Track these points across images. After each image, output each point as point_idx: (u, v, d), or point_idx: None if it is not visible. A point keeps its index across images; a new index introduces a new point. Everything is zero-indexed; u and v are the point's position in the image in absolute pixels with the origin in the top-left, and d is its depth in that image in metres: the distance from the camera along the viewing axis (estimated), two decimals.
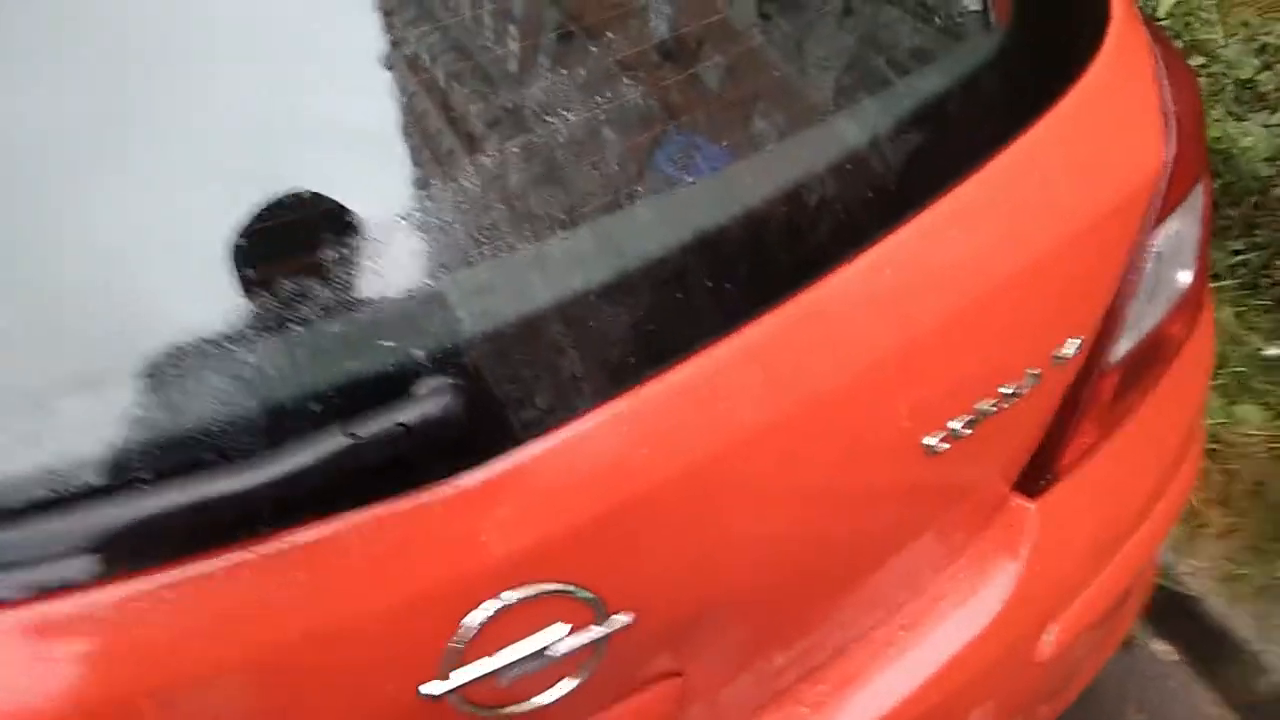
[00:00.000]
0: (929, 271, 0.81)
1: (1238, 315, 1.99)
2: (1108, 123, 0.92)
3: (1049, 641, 1.06)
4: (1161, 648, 1.78)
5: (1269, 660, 1.62)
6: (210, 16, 0.66)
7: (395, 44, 0.73)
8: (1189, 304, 1.02)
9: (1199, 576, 1.72)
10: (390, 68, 0.73)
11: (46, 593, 0.59)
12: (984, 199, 0.83)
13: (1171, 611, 1.73)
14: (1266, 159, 1.95)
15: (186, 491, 0.60)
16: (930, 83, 0.85)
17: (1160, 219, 0.94)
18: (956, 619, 1.00)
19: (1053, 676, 1.15)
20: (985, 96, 0.86)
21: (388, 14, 0.73)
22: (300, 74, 0.69)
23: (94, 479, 0.59)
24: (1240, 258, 2.07)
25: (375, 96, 0.73)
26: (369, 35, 0.73)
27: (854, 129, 0.81)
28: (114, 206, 0.63)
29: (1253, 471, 1.78)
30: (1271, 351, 1.84)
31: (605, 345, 0.70)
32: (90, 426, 0.60)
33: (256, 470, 0.60)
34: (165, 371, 0.61)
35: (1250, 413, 1.79)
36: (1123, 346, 0.95)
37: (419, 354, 0.65)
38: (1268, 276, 2.01)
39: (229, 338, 0.62)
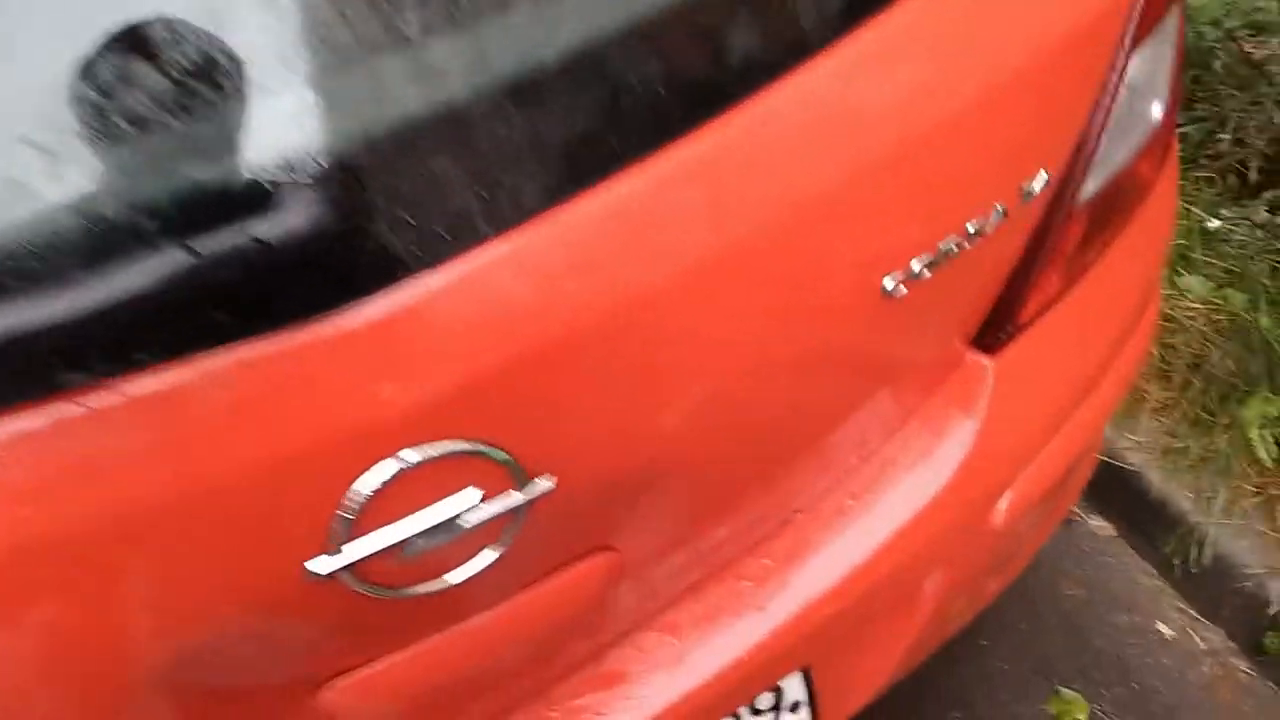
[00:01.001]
0: (894, 87, 0.70)
1: (1179, 188, 1.94)
2: None
3: (1002, 509, 1.00)
4: (1098, 523, 1.76)
5: (1206, 532, 1.60)
6: None
7: None
8: (1159, 142, 0.93)
9: (1138, 451, 1.70)
10: None
11: None
12: (945, 15, 0.73)
13: (1110, 486, 1.71)
14: (1213, 22, 1.87)
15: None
16: None
17: (1135, 43, 0.85)
18: (909, 485, 0.92)
19: (1004, 547, 1.09)
20: None
21: None
22: None
23: None
24: (1180, 130, 2.01)
25: None
26: None
27: None
28: None
29: (1191, 346, 1.75)
30: (1213, 224, 1.80)
31: (520, 156, 0.59)
32: None
33: (79, 300, 0.48)
34: None
35: (1192, 284, 1.75)
36: (1092, 184, 0.87)
37: (288, 157, 0.52)
38: (1208, 150, 1.95)
39: (37, 131, 0.49)
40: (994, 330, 0.92)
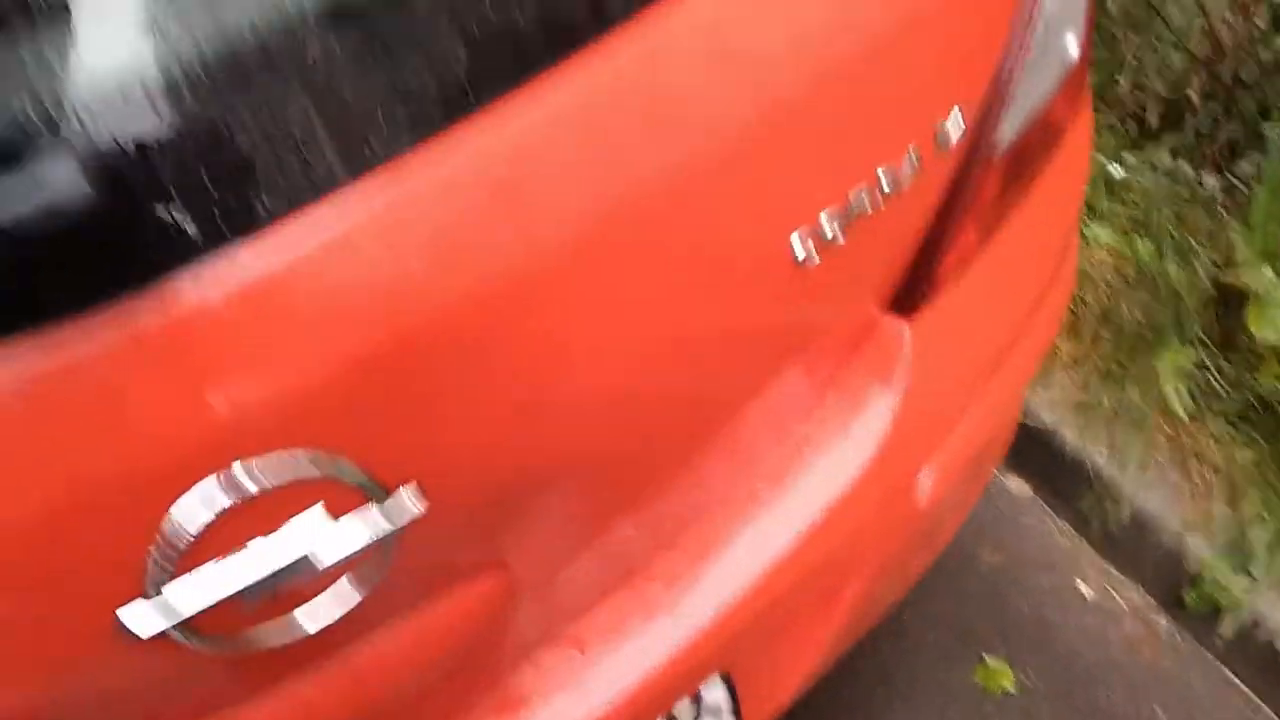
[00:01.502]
0: (794, 19, 0.61)
1: None
2: None
3: (927, 484, 0.93)
4: (1014, 483, 1.73)
5: (1122, 489, 1.58)
6: None
7: None
8: (1075, 80, 0.87)
9: (1051, 408, 1.66)
10: None
11: None
12: None
13: (1025, 446, 1.67)
14: None
15: None
16: None
17: None
18: (827, 465, 0.84)
19: (929, 524, 1.03)
20: None
21: None
22: None
23: None
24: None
25: None
26: None
27: None
28: None
29: (1100, 299, 1.72)
30: (1118, 172, 1.77)
31: (351, 97, 0.48)
32: None
33: None
34: None
35: (1098, 234, 1.71)
36: (1009, 128, 0.79)
37: (41, 106, 0.41)
38: (1107, 95, 1.92)
39: None
40: (910, 292, 0.84)
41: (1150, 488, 1.57)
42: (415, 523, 0.55)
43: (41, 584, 0.47)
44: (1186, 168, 1.68)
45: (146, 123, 0.42)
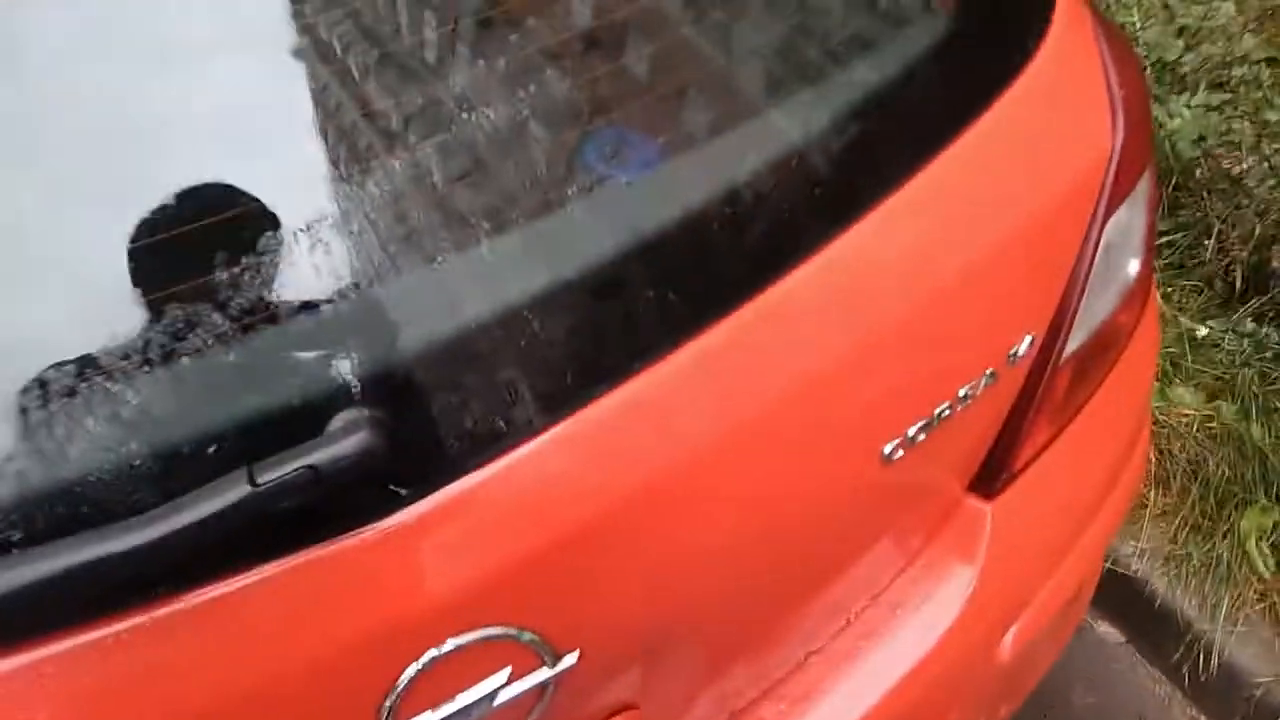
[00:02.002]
0: (882, 272, 0.76)
1: (1166, 297, 2.00)
2: (1056, 111, 0.89)
3: (1008, 643, 1.03)
4: (1107, 630, 1.78)
5: (1213, 640, 1.62)
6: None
7: (304, 32, 0.66)
8: (1138, 292, 0.99)
9: (1142, 558, 1.72)
10: (300, 59, 0.66)
11: None
12: (935, 193, 0.79)
13: (1116, 594, 1.73)
14: (1192, 140, 1.96)
15: (66, 555, 0.52)
16: (873, 72, 0.80)
17: (1111, 208, 0.91)
18: (915, 626, 0.96)
19: (1013, 676, 1.12)
20: (931, 85, 0.82)
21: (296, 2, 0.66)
22: (203, 69, 0.62)
23: None
24: (1166, 239, 2.09)
25: (281, 91, 0.66)
26: (277, 24, 0.66)
27: (796, 123, 0.77)
28: None
29: (1187, 452, 1.79)
30: (1201, 331, 1.85)
31: (542, 365, 0.64)
32: None
33: (148, 526, 0.53)
34: (37, 413, 0.53)
35: (1183, 395, 1.79)
36: (1076, 339, 0.92)
37: (329, 385, 0.58)
38: (1194, 257, 2.02)
39: (111, 372, 0.55)
40: (990, 477, 0.96)
41: (1240, 640, 1.61)
42: (570, 671, 0.69)
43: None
44: (1272, 331, 1.76)
45: (401, 398, 0.59)
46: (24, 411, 0.53)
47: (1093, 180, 0.88)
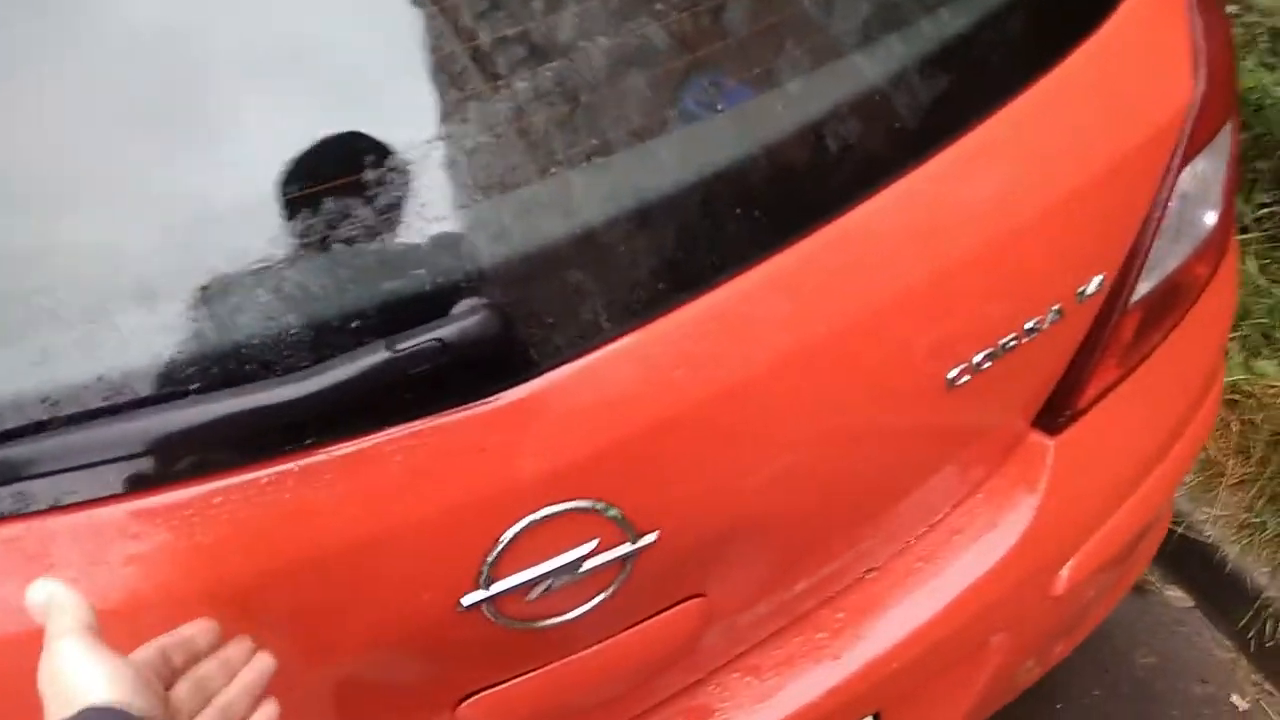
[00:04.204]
0: (958, 204, 0.82)
1: (1262, 268, 1.99)
2: (1138, 59, 0.92)
3: (1064, 577, 1.09)
4: (1175, 594, 1.80)
5: None
6: None
7: None
8: (1213, 246, 1.02)
9: (1215, 524, 1.74)
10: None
11: (116, 496, 0.62)
12: (1014, 133, 0.84)
13: (1186, 559, 1.76)
14: None
15: (235, 403, 0.62)
16: (961, 16, 0.85)
17: (1187, 158, 0.95)
18: (974, 551, 1.02)
19: (1067, 613, 1.17)
20: (1015, 28, 0.87)
21: None
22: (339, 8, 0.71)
23: (151, 389, 0.62)
24: (1267, 210, 2.06)
25: (407, 27, 0.74)
26: None
27: (883, 62, 0.82)
28: (168, 136, 0.65)
29: (1271, 423, 1.79)
30: None
31: (638, 272, 0.72)
32: (147, 338, 0.63)
33: (303, 383, 0.63)
34: (218, 288, 0.63)
35: (1269, 367, 1.79)
36: (1145, 285, 0.96)
37: (458, 276, 0.67)
38: None
39: (277, 257, 0.64)
40: (1055, 412, 1.01)
41: None
42: (649, 549, 0.77)
43: (420, 570, 0.71)
44: None
45: (517, 291, 0.67)
46: (205, 288, 0.63)
47: (1171, 129, 0.92)
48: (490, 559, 0.72)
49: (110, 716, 0.51)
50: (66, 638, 0.54)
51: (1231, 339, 1.84)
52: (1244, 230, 2.02)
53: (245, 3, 0.67)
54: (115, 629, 0.56)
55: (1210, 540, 1.73)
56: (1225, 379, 1.74)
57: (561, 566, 0.74)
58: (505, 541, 0.71)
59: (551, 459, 0.71)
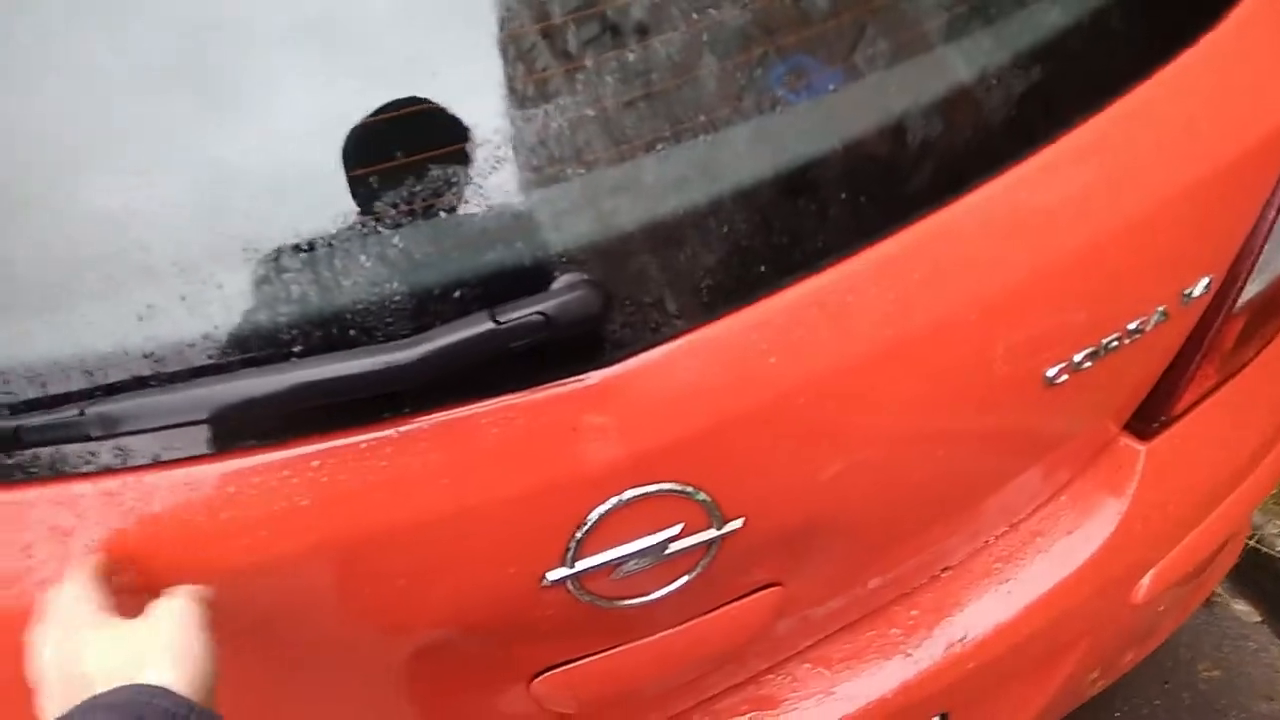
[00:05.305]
0: (1065, 200, 0.79)
1: None
2: (1257, 58, 0.89)
3: (1144, 586, 1.06)
4: (1243, 608, 1.76)
5: None
6: None
7: None
8: None
9: None
10: None
11: (215, 454, 0.63)
12: (1126, 129, 0.81)
13: (1256, 572, 1.71)
14: None
15: (338, 368, 0.62)
16: (1070, 9, 0.82)
17: None
18: (1054, 555, 1.00)
19: (1142, 622, 1.15)
20: (1129, 23, 0.84)
21: None
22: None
23: (257, 352, 0.62)
24: None
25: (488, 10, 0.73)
26: None
27: (993, 53, 0.79)
28: (270, 111, 0.64)
29: None
30: None
31: (737, 255, 0.71)
32: (253, 302, 0.63)
33: (406, 351, 0.62)
34: (324, 255, 0.63)
35: None
36: (1252, 289, 0.93)
37: (560, 252, 0.66)
38: None
39: (383, 225, 0.64)
40: (1149, 418, 0.99)
41: None
42: (733, 536, 0.76)
43: (510, 543, 0.71)
44: None
45: (618, 272, 0.66)
46: (311, 248, 0.63)
47: None
48: (578, 536, 0.71)
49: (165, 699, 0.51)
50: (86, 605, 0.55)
51: None
52: None
53: None
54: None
55: None
56: None
57: (648, 548, 0.73)
58: (593, 520, 0.71)
59: (642, 441, 0.70)
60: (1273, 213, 0.90)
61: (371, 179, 0.64)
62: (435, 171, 0.65)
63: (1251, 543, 1.70)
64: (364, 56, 0.65)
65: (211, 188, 0.63)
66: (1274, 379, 1.07)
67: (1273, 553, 1.69)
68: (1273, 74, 0.90)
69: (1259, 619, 1.74)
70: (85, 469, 0.64)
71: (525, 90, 0.69)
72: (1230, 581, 1.77)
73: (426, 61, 0.66)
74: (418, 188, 0.65)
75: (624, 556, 0.73)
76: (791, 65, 0.77)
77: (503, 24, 0.71)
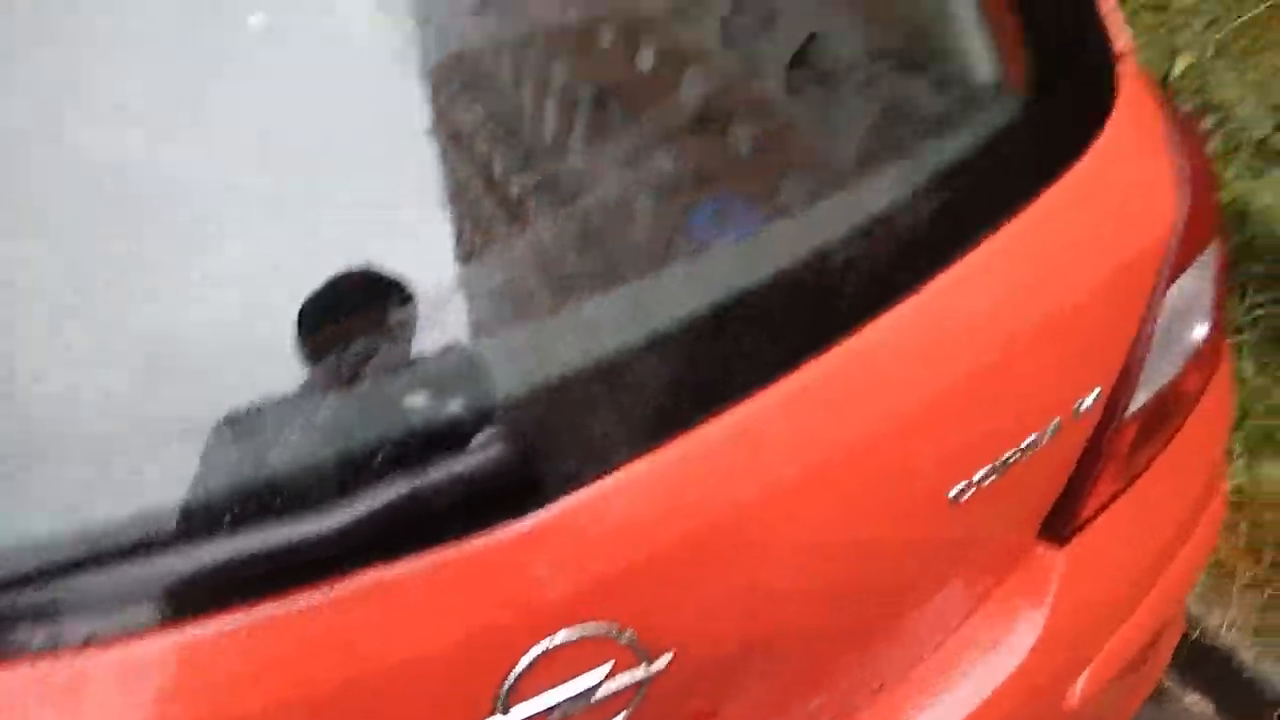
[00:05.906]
0: (956, 326, 0.85)
1: (1260, 368, 2.01)
2: (1122, 182, 0.97)
3: (1078, 690, 1.08)
4: (1194, 699, 1.78)
5: None
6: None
7: (438, 116, 0.79)
8: (1204, 358, 1.05)
9: (1230, 629, 1.72)
10: (434, 139, 0.79)
11: (131, 633, 0.64)
12: (1007, 255, 0.88)
13: (1203, 664, 1.74)
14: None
15: (261, 537, 0.64)
16: (953, 147, 0.90)
17: (1174, 275, 0.98)
18: (984, 666, 1.02)
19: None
20: (1005, 158, 0.91)
21: (432, 88, 0.79)
22: (357, 149, 0.76)
23: (179, 525, 0.64)
24: (1261, 311, 2.10)
25: (423, 170, 0.78)
26: (414, 111, 0.79)
27: (881, 192, 0.86)
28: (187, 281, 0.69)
29: (1279, 523, 1.79)
30: None
31: (648, 399, 0.75)
32: (174, 475, 0.65)
33: (328, 516, 0.65)
34: (244, 425, 0.66)
35: (1274, 469, 1.81)
36: (1140, 398, 0.98)
37: (474, 409, 0.70)
38: None
39: (301, 394, 0.67)
40: (1060, 525, 1.03)
41: None
42: (663, 673, 0.78)
43: (443, 696, 0.72)
44: None
45: (531, 422, 0.70)
46: (237, 422, 0.66)
47: (1157, 248, 0.95)
48: (507, 685, 0.72)
49: None
50: None
51: (1234, 440, 1.85)
52: (1239, 331, 2.06)
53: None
54: None
55: (1226, 645, 1.72)
56: (1230, 481, 1.75)
57: (577, 694, 0.75)
58: (522, 667, 0.72)
59: (567, 583, 0.72)
60: (1150, 325, 0.97)
61: (289, 354, 0.68)
62: (347, 338, 0.69)
63: (1195, 634, 1.73)
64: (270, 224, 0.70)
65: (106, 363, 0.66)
66: (1179, 477, 1.12)
67: (1216, 644, 1.72)
68: (1136, 197, 0.98)
69: (1211, 711, 1.76)
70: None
71: (433, 251, 0.74)
72: (1179, 673, 1.79)
73: (333, 228, 0.71)
74: (331, 355, 0.68)
75: (555, 705, 0.75)
76: (691, 213, 0.83)
77: (405, 182, 0.76)
